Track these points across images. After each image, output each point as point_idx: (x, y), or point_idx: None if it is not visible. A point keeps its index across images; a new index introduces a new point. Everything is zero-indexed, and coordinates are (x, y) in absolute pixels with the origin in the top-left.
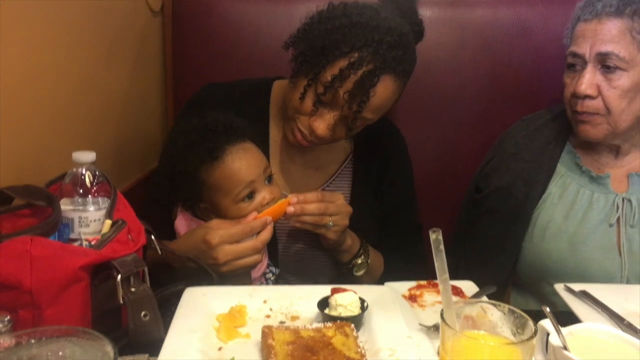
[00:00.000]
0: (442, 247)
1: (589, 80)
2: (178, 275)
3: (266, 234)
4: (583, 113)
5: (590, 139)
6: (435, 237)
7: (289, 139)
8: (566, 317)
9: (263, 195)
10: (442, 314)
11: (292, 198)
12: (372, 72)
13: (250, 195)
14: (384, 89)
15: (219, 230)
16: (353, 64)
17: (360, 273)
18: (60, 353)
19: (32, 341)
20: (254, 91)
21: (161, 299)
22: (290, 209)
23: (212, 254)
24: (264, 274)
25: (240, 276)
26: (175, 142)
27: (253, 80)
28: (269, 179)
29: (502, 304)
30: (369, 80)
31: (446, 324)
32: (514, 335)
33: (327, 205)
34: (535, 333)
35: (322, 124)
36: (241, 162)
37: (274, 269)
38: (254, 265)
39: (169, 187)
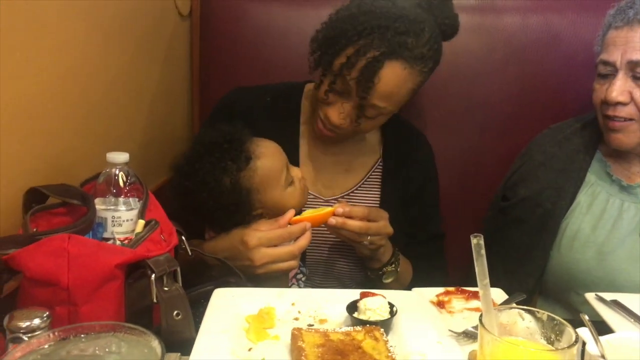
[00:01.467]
0: (483, 252)
1: (620, 87)
2: (209, 275)
3: (304, 241)
4: (615, 118)
5: (622, 147)
6: (477, 242)
7: (316, 132)
8: (597, 327)
9: (295, 173)
10: (480, 319)
11: (339, 209)
12: (377, 58)
13: (289, 179)
14: (391, 75)
15: (257, 232)
16: (359, 51)
17: (389, 281)
18: (107, 349)
19: (81, 336)
20: (285, 95)
21: (190, 299)
22: (332, 221)
23: (249, 255)
24: (295, 274)
25: (278, 279)
26: (198, 173)
27: (283, 85)
28: None
29: (541, 311)
30: (372, 66)
31: (485, 329)
32: (551, 343)
33: (369, 226)
34: (576, 341)
35: (334, 112)
36: (268, 149)
37: (304, 270)
38: (288, 271)
39: (218, 221)
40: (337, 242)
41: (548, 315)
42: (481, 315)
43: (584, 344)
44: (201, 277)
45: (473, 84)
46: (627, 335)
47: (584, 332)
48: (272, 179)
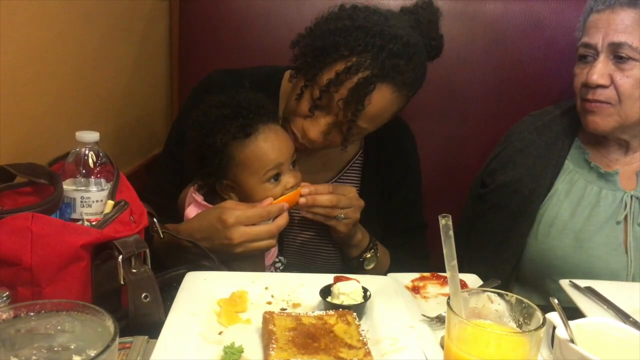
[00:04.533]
0: (451, 233)
1: (600, 70)
2: (185, 258)
3: (282, 220)
4: (594, 101)
5: (598, 131)
6: (445, 222)
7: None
8: (571, 313)
9: (288, 178)
10: (448, 301)
11: (304, 189)
12: (368, 79)
13: (276, 177)
14: (380, 98)
15: (235, 211)
16: (350, 68)
17: (371, 266)
18: (59, 327)
19: (31, 314)
20: (264, 80)
21: (162, 282)
22: (302, 200)
23: (227, 234)
24: (274, 262)
25: (255, 263)
26: (205, 116)
27: (263, 69)
28: (293, 163)
29: (510, 294)
30: (364, 88)
31: (453, 311)
32: (520, 326)
33: (339, 198)
34: (543, 323)
35: (316, 128)
36: (273, 143)
37: (282, 259)
38: (266, 250)
39: (194, 160)
40: (315, 231)
41: (517, 298)
42: (449, 298)
43: (554, 328)
44: (176, 260)
45: (455, 70)
46: (597, 321)
47: (554, 317)
48: (255, 164)
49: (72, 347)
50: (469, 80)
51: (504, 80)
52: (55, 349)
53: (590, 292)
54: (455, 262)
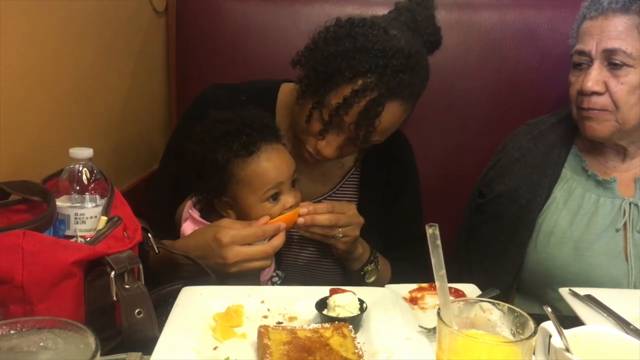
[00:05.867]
0: (438, 242)
1: (595, 77)
2: (180, 275)
3: (279, 240)
4: (590, 109)
5: (596, 137)
6: (432, 232)
7: (299, 155)
8: (571, 322)
9: (287, 198)
10: (438, 312)
11: (302, 209)
12: (376, 101)
13: (275, 197)
14: (390, 115)
15: (230, 230)
16: (357, 92)
17: (372, 279)
18: (41, 344)
19: (12, 332)
20: (260, 94)
21: (158, 298)
22: (301, 220)
23: (222, 253)
24: (271, 277)
25: (249, 279)
26: (209, 131)
27: (260, 83)
28: (293, 183)
29: (502, 303)
30: (373, 110)
31: (443, 321)
32: (513, 335)
33: (338, 217)
34: (534, 332)
35: (329, 146)
36: (274, 162)
37: (280, 273)
38: (261, 270)
39: (193, 175)
40: (315, 248)
41: (509, 308)
42: (439, 309)
43: (550, 337)
44: (173, 277)
45: (451, 80)
46: (594, 329)
47: (549, 325)
48: (256, 183)
49: None
50: (466, 90)
51: (500, 89)
52: None
53: (590, 300)
54: (444, 272)
